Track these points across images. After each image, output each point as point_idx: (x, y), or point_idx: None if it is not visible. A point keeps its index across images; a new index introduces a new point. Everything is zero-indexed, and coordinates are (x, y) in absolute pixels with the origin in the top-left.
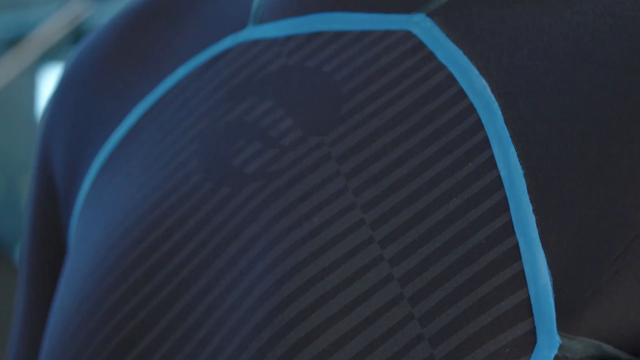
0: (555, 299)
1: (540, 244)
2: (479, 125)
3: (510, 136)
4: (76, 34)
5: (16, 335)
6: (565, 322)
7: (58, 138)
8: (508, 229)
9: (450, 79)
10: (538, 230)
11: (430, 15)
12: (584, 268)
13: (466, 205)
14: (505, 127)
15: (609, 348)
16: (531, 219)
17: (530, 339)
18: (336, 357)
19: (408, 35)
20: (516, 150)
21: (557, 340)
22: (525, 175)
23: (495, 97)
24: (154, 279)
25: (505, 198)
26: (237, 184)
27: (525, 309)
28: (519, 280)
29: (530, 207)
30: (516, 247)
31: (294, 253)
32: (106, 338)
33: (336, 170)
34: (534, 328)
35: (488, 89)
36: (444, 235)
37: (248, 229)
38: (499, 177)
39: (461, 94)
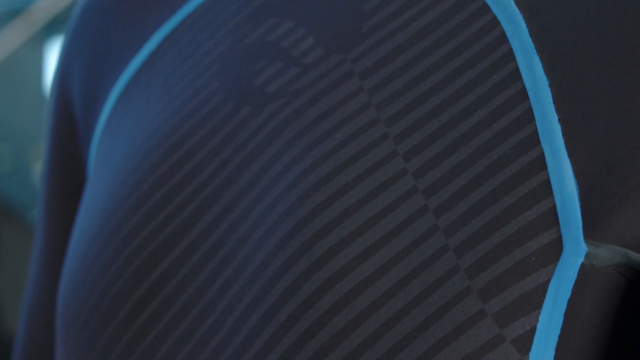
0: (582, 207)
1: (566, 153)
2: (503, 38)
3: (535, 47)
4: None
5: (36, 264)
6: (592, 230)
7: (77, 68)
8: (533, 139)
9: None
10: (564, 139)
11: None
12: (610, 176)
13: (491, 116)
14: (530, 39)
15: (635, 255)
16: (557, 129)
17: (556, 247)
18: (360, 269)
19: None
20: (541, 61)
21: (583, 247)
22: (550, 85)
23: (520, 9)
24: (176, 199)
25: (531, 109)
26: (259, 103)
27: (551, 218)
28: (545, 189)
29: (555, 117)
30: (542, 156)
31: (317, 169)
32: (128, 260)
33: (359, 86)
34: (560, 236)
35: (512, 2)
36: (469, 146)
37: (270, 147)
38: (523, 88)
39: (484, 8)
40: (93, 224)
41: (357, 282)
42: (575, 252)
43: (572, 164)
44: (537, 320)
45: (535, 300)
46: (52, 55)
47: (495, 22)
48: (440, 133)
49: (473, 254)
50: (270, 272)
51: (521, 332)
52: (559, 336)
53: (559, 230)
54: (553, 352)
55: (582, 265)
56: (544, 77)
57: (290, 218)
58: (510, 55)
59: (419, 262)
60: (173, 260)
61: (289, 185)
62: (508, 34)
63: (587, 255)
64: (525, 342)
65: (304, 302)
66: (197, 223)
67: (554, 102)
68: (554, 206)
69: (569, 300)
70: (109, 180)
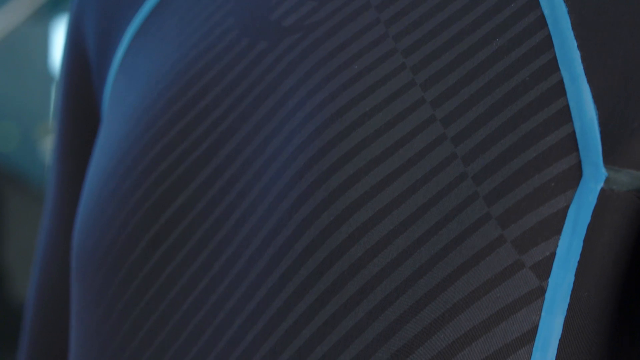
0: (601, 132)
1: (585, 79)
2: None
3: None
4: None
5: (50, 209)
6: (611, 155)
7: (90, 11)
8: (552, 66)
9: None
10: (583, 65)
11: None
12: (630, 101)
13: (509, 44)
14: None
15: None
16: (576, 55)
17: (575, 173)
18: (378, 198)
19: None
20: None
21: (603, 172)
22: (569, 12)
23: None
24: (191, 135)
25: (549, 36)
26: (275, 38)
27: (571, 143)
28: (564, 115)
29: (574, 43)
30: (561, 83)
31: (334, 100)
32: (144, 196)
33: (376, 18)
34: (580, 162)
35: None
36: (487, 75)
37: (286, 81)
38: (542, 16)
39: None
40: (109, 162)
41: (375, 211)
42: (595, 177)
43: (591, 90)
44: (557, 245)
45: (554, 225)
46: (58, 30)
47: None
48: (458, 62)
49: (492, 181)
50: (287, 205)
51: (540, 258)
52: (578, 262)
53: (579, 156)
54: (572, 278)
55: (602, 190)
56: (563, 4)
57: (307, 150)
58: None
59: (438, 190)
60: (189, 195)
61: (305, 118)
62: None
63: (607, 180)
64: (544, 268)
65: (322, 232)
66: (212, 158)
67: (572, 28)
68: (573, 132)
69: (589, 225)
70: (125, 118)
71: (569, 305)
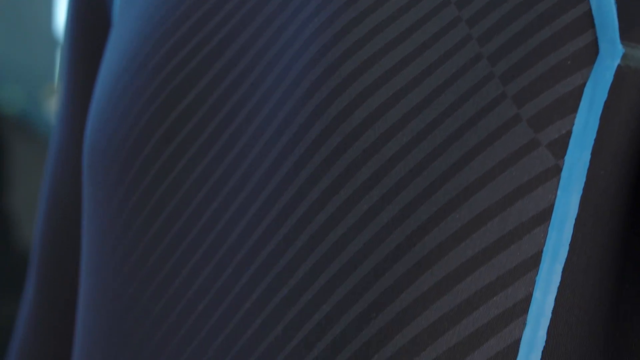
0: (618, 9)
1: None
2: None
3: None
4: None
5: (61, 117)
6: (628, 31)
7: None
8: None
9: None
10: None
11: None
12: None
13: None
14: None
15: None
16: None
17: (592, 50)
18: (392, 83)
19: None
20: None
21: (619, 49)
22: None
23: None
24: (203, 30)
25: None
26: None
27: (587, 21)
28: None
29: None
30: None
31: None
32: (156, 91)
33: None
34: (596, 39)
35: None
36: None
37: None
38: None
39: None
40: (120, 59)
41: (389, 95)
42: (612, 53)
43: None
44: (573, 123)
45: (570, 103)
46: None
47: None
48: None
49: (507, 61)
50: (300, 92)
51: (556, 136)
52: (594, 140)
53: (595, 33)
54: (589, 156)
55: (619, 67)
56: None
57: (321, 37)
58: None
59: (452, 72)
60: (202, 89)
61: (319, 6)
62: None
63: (624, 57)
64: (560, 146)
65: (335, 118)
66: (225, 51)
67: None
68: (589, 10)
69: (605, 102)
70: (136, 17)
71: (585, 183)
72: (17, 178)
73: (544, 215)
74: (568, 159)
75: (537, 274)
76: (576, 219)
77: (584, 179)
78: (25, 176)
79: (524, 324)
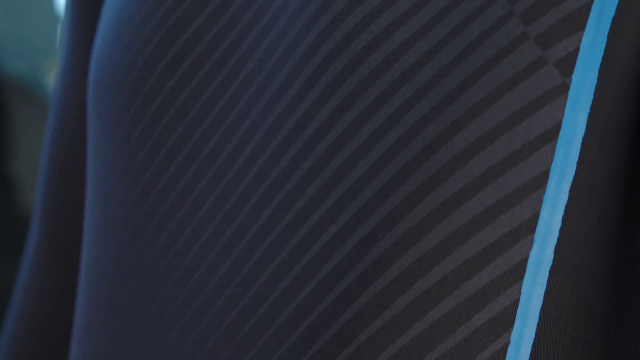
0: None
1: None
2: None
3: None
4: None
5: (63, 60)
6: None
7: None
8: None
9: None
10: None
11: None
12: None
13: None
14: None
15: None
16: None
17: None
18: (400, 3)
19: None
20: None
21: None
22: None
23: None
24: None
25: None
26: None
27: None
28: None
29: None
30: None
31: None
32: (161, 19)
33: None
34: None
35: None
36: None
37: None
38: None
39: None
40: None
41: (396, 16)
42: None
43: None
44: (580, 41)
45: (578, 21)
46: None
47: None
48: None
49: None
50: (306, 16)
51: (564, 54)
52: (602, 57)
53: None
54: (596, 74)
55: None
56: None
57: None
58: None
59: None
60: (207, 16)
61: None
62: None
63: None
64: (568, 64)
65: (341, 41)
66: None
67: None
68: None
69: (613, 20)
70: None
71: (593, 102)
72: (18, 144)
73: (552, 134)
74: (576, 77)
75: (544, 192)
76: (583, 138)
77: (591, 98)
78: (27, 142)
79: (531, 243)
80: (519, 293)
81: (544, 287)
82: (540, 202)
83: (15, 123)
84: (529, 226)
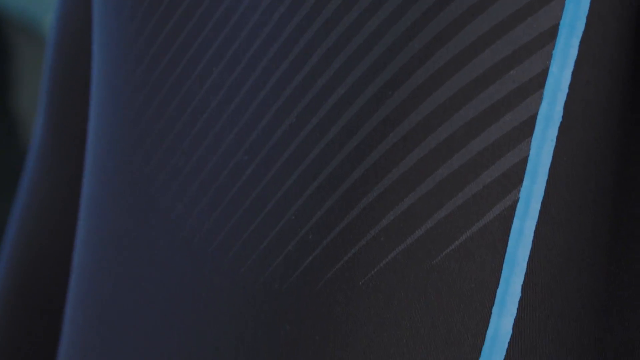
0: None
1: None
2: None
3: None
4: None
5: None
6: None
7: None
8: None
9: None
10: None
11: None
12: None
13: None
14: None
15: None
16: None
17: None
18: None
19: None
20: None
21: None
22: None
23: None
24: None
25: None
26: None
27: None
28: None
29: None
30: None
31: None
32: None
33: None
34: None
35: None
36: None
37: None
38: None
39: None
40: None
41: None
42: None
43: None
44: None
45: None
46: None
47: None
48: None
49: None
50: None
51: None
52: None
53: None
54: None
55: None
56: None
57: None
58: None
59: None
60: None
61: None
62: None
63: None
64: None
65: None
66: None
67: None
68: None
69: None
70: None
71: None
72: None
73: None
74: None
75: (554, 47)
76: None
77: None
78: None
79: (541, 99)
80: (529, 149)
81: (554, 143)
82: (549, 57)
83: (17, 60)
84: (539, 81)
